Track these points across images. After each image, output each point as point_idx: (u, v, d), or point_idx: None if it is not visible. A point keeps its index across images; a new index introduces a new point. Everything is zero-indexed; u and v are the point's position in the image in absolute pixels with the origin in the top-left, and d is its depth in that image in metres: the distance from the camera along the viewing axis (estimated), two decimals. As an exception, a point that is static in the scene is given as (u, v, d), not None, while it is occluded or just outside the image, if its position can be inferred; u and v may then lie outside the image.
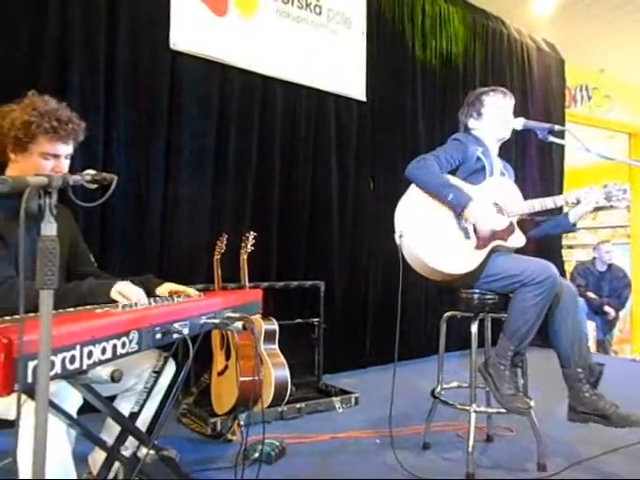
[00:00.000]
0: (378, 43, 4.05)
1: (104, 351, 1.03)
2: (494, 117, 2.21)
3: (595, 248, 5.95)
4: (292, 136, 3.60)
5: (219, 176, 3.25)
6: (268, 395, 2.50)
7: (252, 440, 2.02)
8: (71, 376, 1.00)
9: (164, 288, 1.64)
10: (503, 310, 2.06)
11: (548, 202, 2.08)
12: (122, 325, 1.10)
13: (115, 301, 1.40)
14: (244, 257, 2.67)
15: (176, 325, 1.28)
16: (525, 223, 2.25)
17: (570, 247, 8.21)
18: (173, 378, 1.64)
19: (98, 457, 1.57)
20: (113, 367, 1.04)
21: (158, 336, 1.22)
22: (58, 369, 0.93)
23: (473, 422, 2.02)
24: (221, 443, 2.36)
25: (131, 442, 1.45)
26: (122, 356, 1.10)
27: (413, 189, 2.10)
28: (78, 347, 0.96)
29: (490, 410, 2.25)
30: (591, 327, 5.52)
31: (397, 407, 2.11)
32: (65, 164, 1.55)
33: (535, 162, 5.15)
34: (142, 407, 1.54)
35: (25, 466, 1.08)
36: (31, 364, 0.88)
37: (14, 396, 0.88)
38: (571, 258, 7.78)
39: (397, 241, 2.04)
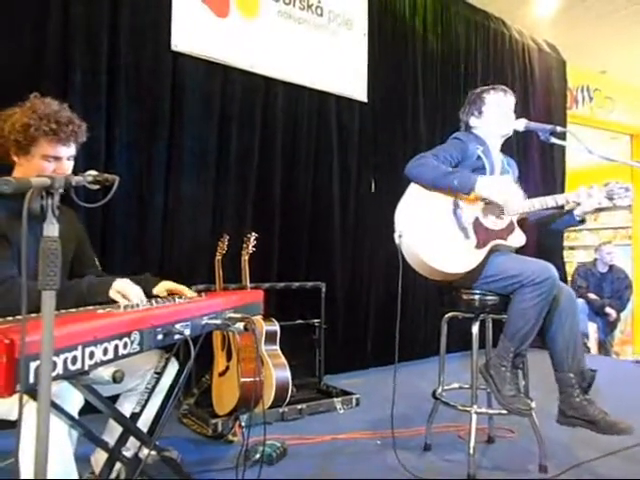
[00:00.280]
0: (379, 44, 4.05)
1: (106, 352, 1.03)
2: (495, 114, 2.21)
3: (597, 249, 5.95)
4: (293, 137, 3.60)
5: (221, 177, 3.26)
6: (269, 396, 2.50)
7: (253, 441, 2.03)
8: (73, 377, 1.00)
9: (161, 287, 1.64)
10: (504, 311, 2.06)
11: (549, 201, 2.07)
12: (124, 326, 1.11)
13: (115, 301, 1.40)
14: (245, 258, 2.67)
15: (178, 326, 1.29)
16: (525, 223, 2.25)
17: (571, 248, 8.21)
18: (175, 378, 1.64)
19: (100, 457, 1.57)
20: (115, 368, 1.04)
21: (160, 337, 1.22)
22: (60, 370, 0.93)
23: (474, 423, 2.02)
24: (222, 444, 2.36)
25: (132, 443, 1.45)
26: (124, 357, 1.10)
27: (412, 189, 2.10)
28: (80, 348, 0.96)
29: (491, 411, 2.25)
30: (592, 328, 5.52)
31: (398, 408, 2.10)
32: (68, 165, 1.55)
33: (537, 163, 5.16)
34: (143, 407, 1.54)
35: (27, 467, 1.08)
36: (33, 365, 0.88)
37: (16, 397, 0.88)
38: (572, 259, 7.77)
39: (396, 241, 2.04)
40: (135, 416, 1.49)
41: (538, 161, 5.18)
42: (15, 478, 1.06)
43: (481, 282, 2.05)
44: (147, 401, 1.54)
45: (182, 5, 3.08)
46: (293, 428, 2.56)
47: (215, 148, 3.23)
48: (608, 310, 5.59)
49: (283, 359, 2.63)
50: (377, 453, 2.29)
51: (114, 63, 2.85)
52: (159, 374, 1.60)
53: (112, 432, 1.52)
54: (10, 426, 1.22)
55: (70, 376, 0.98)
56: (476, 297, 2.08)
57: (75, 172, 1.54)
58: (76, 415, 1.23)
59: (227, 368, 2.56)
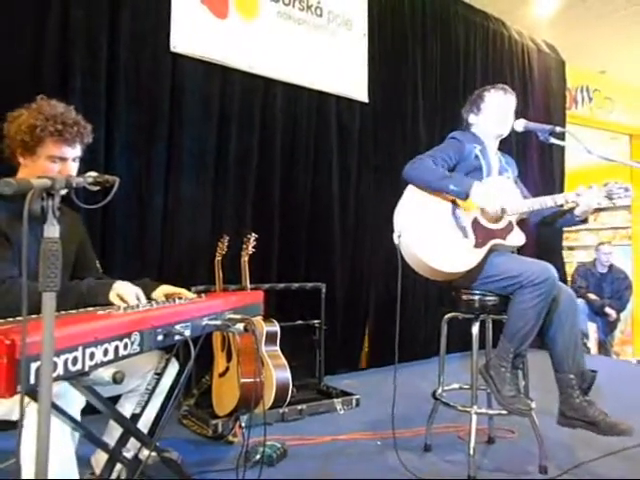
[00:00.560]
0: (379, 44, 4.05)
1: (106, 353, 1.04)
2: (493, 113, 2.21)
3: (596, 249, 5.96)
4: (293, 137, 3.61)
5: (220, 178, 3.26)
6: (269, 397, 2.50)
7: (253, 442, 2.03)
8: (73, 378, 1.00)
9: (160, 291, 1.64)
10: (504, 311, 2.06)
11: (548, 201, 2.07)
12: (124, 326, 1.11)
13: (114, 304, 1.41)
14: (245, 259, 2.67)
15: (178, 327, 1.29)
16: (525, 222, 2.25)
17: (571, 248, 8.21)
18: (175, 379, 1.65)
19: (100, 458, 1.57)
20: (115, 369, 1.04)
21: (160, 337, 1.22)
22: (60, 371, 0.93)
23: (474, 424, 2.02)
24: (222, 445, 2.36)
25: (133, 444, 1.46)
26: (124, 357, 1.10)
27: (411, 189, 2.11)
28: (80, 349, 0.97)
29: (491, 412, 2.25)
30: (592, 328, 5.52)
31: (398, 409, 2.11)
32: (73, 167, 1.57)
33: (536, 163, 5.16)
34: (144, 408, 1.54)
35: (28, 468, 1.09)
36: (34, 365, 0.88)
37: (17, 397, 0.88)
38: (572, 259, 7.77)
39: (396, 241, 2.04)
40: (135, 417, 1.50)
41: (537, 161, 5.18)
42: (16, 478, 1.06)
43: (481, 282, 2.05)
44: (147, 402, 1.54)
45: (181, 6, 3.08)
46: (293, 429, 2.57)
47: (214, 149, 3.24)
48: (608, 310, 5.60)
49: (283, 360, 2.63)
50: (377, 454, 2.29)
51: (113, 65, 2.85)
52: (159, 375, 1.60)
53: (112, 433, 1.53)
54: (11, 427, 1.22)
55: (70, 377, 0.98)
56: (476, 297, 2.08)
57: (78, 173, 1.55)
58: (78, 416, 1.24)
59: (227, 369, 2.56)
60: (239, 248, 2.69)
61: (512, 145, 4.50)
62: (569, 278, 5.86)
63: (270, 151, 3.48)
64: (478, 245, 2.04)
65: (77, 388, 1.12)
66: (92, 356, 0.99)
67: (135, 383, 1.62)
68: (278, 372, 2.54)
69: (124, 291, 1.43)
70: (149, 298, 1.58)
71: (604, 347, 5.66)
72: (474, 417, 2.03)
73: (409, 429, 2.47)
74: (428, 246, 2.01)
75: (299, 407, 2.76)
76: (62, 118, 1.51)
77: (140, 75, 2.94)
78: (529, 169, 4.97)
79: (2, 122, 1.55)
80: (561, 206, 2.12)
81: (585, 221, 2.15)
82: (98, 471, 1.60)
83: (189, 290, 1.70)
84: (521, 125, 2.13)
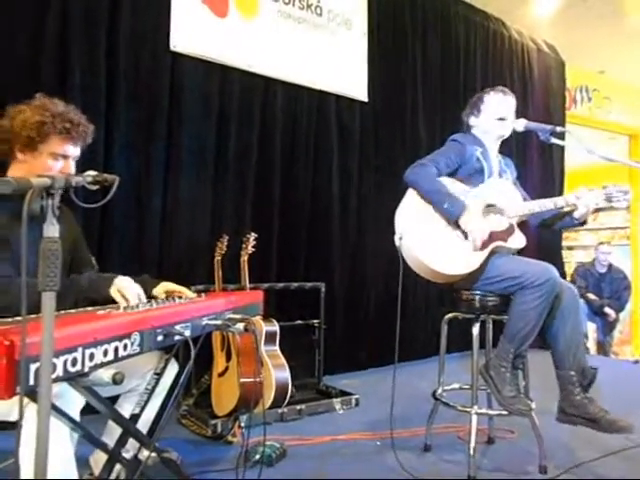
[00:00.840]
0: (379, 43, 4.05)
1: (106, 353, 1.03)
2: (492, 114, 2.21)
3: (595, 249, 5.97)
4: (293, 137, 3.60)
5: (219, 177, 3.25)
6: (269, 397, 2.50)
7: (252, 442, 2.02)
8: (73, 379, 0.99)
9: (160, 288, 1.64)
10: (504, 312, 2.06)
11: (548, 203, 2.08)
12: (124, 327, 1.10)
13: (114, 300, 1.40)
14: (244, 258, 2.66)
15: (178, 327, 1.28)
16: (525, 225, 2.25)
17: (570, 248, 8.22)
18: (174, 379, 1.64)
19: (99, 458, 1.57)
20: (115, 369, 1.04)
21: (160, 338, 1.21)
22: (60, 372, 0.92)
23: (474, 424, 2.01)
24: (221, 445, 2.35)
25: (132, 444, 1.45)
26: (124, 358, 1.09)
27: (412, 192, 2.10)
28: (80, 349, 0.96)
29: (491, 412, 2.24)
30: (591, 328, 5.53)
31: (397, 409, 2.10)
32: (72, 166, 1.56)
33: (536, 164, 5.16)
34: (143, 409, 1.53)
35: (26, 468, 1.08)
36: (33, 367, 0.87)
37: (16, 397, 0.87)
38: (571, 259, 7.78)
39: (397, 243, 2.04)
40: (135, 417, 1.49)
41: (537, 161, 5.18)
42: (15, 478, 1.05)
43: (482, 283, 2.05)
44: (147, 402, 1.53)
45: (181, 5, 3.07)
46: (292, 429, 2.56)
47: (214, 148, 3.23)
48: (607, 310, 5.60)
49: (282, 359, 2.63)
50: (377, 454, 2.28)
51: (113, 63, 2.84)
52: (159, 375, 1.59)
53: (112, 433, 1.52)
54: (9, 426, 1.22)
55: (70, 378, 0.97)
56: (476, 298, 2.08)
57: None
58: (77, 416, 1.23)
59: (226, 369, 2.55)
60: (238, 247, 2.69)
61: (512, 146, 4.50)
62: (568, 278, 5.86)
63: (270, 150, 3.47)
64: (479, 248, 2.03)
65: (76, 389, 1.11)
66: (92, 357, 0.98)
67: (134, 383, 1.61)
68: (277, 372, 2.54)
69: (125, 288, 1.42)
70: (149, 295, 1.58)
71: (603, 347, 5.67)
72: (474, 417, 2.03)
73: (409, 429, 2.47)
74: (429, 248, 2.00)
75: (298, 407, 2.76)
76: (68, 117, 1.51)
77: (139, 74, 2.93)
78: (529, 170, 4.98)
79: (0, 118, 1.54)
80: (561, 208, 2.12)
81: (584, 223, 2.16)
82: (97, 471, 1.60)
83: (188, 289, 1.70)
84: (522, 125, 2.13)
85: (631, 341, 7.16)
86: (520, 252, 2.17)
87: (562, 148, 5.30)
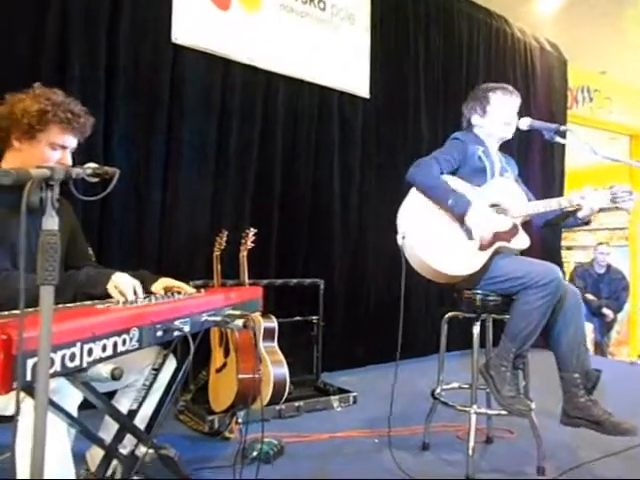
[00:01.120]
0: (382, 39, 4.02)
1: (104, 348, 1.01)
2: (498, 116, 2.18)
3: (594, 250, 5.97)
4: (294, 133, 3.58)
5: (220, 172, 3.23)
6: (267, 393, 2.49)
7: (250, 438, 2.01)
8: (71, 374, 0.98)
9: (159, 284, 1.62)
10: (505, 311, 2.05)
11: (553, 203, 2.06)
12: (123, 322, 1.08)
13: (112, 296, 1.38)
14: (244, 254, 2.64)
15: (177, 322, 1.27)
16: (528, 224, 2.23)
17: (569, 248, 8.22)
18: (173, 375, 1.62)
19: (96, 453, 1.55)
20: (113, 365, 1.02)
21: (159, 333, 1.20)
22: (58, 367, 0.91)
23: (474, 424, 2.00)
24: (218, 441, 2.34)
25: (129, 440, 1.43)
26: (122, 353, 1.08)
27: (415, 191, 2.08)
28: (78, 344, 0.94)
29: (490, 412, 2.23)
30: (589, 329, 5.53)
31: (396, 407, 2.09)
32: (69, 157, 1.54)
33: (537, 163, 5.14)
34: (141, 404, 1.52)
35: (23, 463, 1.06)
36: (30, 362, 0.86)
37: (13, 392, 0.86)
38: (570, 259, 7.79)
39: (399, 242, 2.02)
40: (132, 413, 1.47)
41: (539, 161, 5.16)
42: (11, 473, 1.04)
43: (485, 283, 2.03)
44: (145, 398, 1.52)
45: (183, -3, 3.04)
46: (290, 426, 2.55)
47: (214, 142, 3.21)
48: (605, 311, 5.61)
49: (281, 356, 2.62)
50: (375, 452, 2.27)
51: (113, 55, 2.81)
52: (157, 370, 1.57)
53: (109, 429, 1.50)
54: (7, 420, 1.20)
55: (68, 373, 0.96)
56: (477, 297, 2.06)
57: (74, 165, 1.52)
58: (75, 411, 1.21)
59: (225, 364, 2.54)
60: (238, 243, 2.67)
61: (514, 145, 4.48)
62: (567, 278, 5.87)
63: (271, 146, 3.45)
64: (483, 248, 2.01)
65: (74, 384, 1.09)
66: (90, 352, 0.97)
67: (132, 378, 1.59)
68: (275, 368, 2.53)
69: (122, 283, 1.41)
70: (148, 291, 1.56)
71: (600, 348, 5.67)
72: (473, 417, 2.02)
73: (407, 427, 2.46)
74: (432, 248, 1.98)
75: (296, 404, 2.75)
76: (69, 107, 1.50)
77: (140, 66, 2.91)
78: (531, 169, 4.96)
79: None
80: (565, 208, 2.10)
81: (588, 223, 2.14)
82: (93, 467, 1.58)
83: (187, 284, 1.68)
84: (526, 124, 2.11)
85: (628, 342, 7.17)
86: (523, 253, 2.16)
87: (563, 148, 5.28)
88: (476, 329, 2.08)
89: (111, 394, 1.59)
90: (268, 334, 2.64)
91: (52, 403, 1.06)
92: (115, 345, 1.04)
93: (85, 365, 0.96)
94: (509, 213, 2.10)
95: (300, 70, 3.55)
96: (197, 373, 2.79)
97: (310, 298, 3.25)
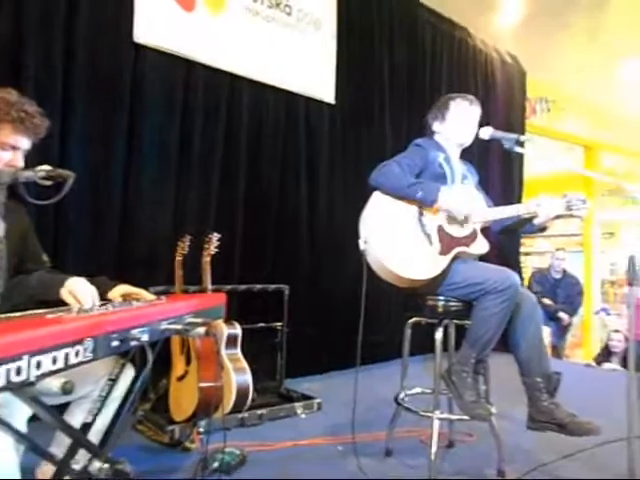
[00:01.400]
0: (348, 46, 4.05)
1: (55, 361, 0.95)
2: (457, 123, 2.23)
3: (552, 255, 6.18)
4: (260, 136, 3.55)
5: (182, 174, 3.16)
6: (229, 401, 2.44)
7: (211, 449, 1.96)
8: (17, 388, 0.92)
9: (117, 291, 1.56)
10: (467, 317, 2.07)
11: (511, 210, 2.11)
12: (76, 332, 1.03)
13: (66, 303, 1.32)
14: (207, 259, 2.59)
15: (135, 332, 1.21)
16: (486, 231, 2.28)
17: (526, 254, 8.47)
18: (130, 386, 1.56)
19: (47, 470, 1.48)
20: (64, 378, 0.97)
21: (115, 343, 1.14)
22: (2, 381, 0.85)
23: (436, 429, 2.02)
24: (179, 452, 2.27)
25: (83, 455, 1.37)
26: (75, 365, 1.02)
27: (376, 195, 2.09)
28: (26, 357, 0.88)
29: (453, 417, 2.26)
30: (546, 332, 5.70)
31: (360, 412, 2.09)
32: (21, 159, 1.47)
33: (497, 172, 5.27)
34: (96, 416, 1.45)
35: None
36: (-28, 376, 0.80)
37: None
38: (527, 264, 8.02)
39: (362, 247, 2.02)
40: (87, 426, 1.41)
41: (498, 170, 5.30)
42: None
43: (445, 289, 2.05)
44: (100, 410, 1.46)
45: (146, -4, 2.98)
46: (253, 434, 2.51)
47: (177, 144, 3.14)
48: (561, 315, 5.80)
49: (244, 363, 2.58)
50: (339, 459, 2.26)
51: (71, 55, 2.71)
52: (113, 381, 1.51)
53: (61, 442, 1.43)
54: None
55: (14, 388, 0.90)
56: (440, 303, 2.08)
57: (26, 167, 1.46)
58: (24, 425, 1.15)
59: (186, 372, 2.48)
60: (201, 248, 2.61)
61: (474, 153, 4.58)
62: (526, 283, 6.04)
63: (235, 149, 3.40)
64: (443, 252, 2.04)
65: (21, 399, 1.03)
66: (39, 365, 0.91)
67: (88, 389, 1.53)
68: (238, 376, 2.49)
69: (78, 289, 1.35)
70: (105, 298, 1.50)
71: (557, 350, 5.85)
72: (436, 422, 2.03)
73: (370, 433, 2.45)
74: (394, 253, 2.00)
75: (259, 412, 2.71)
76: (24, 107, 1.43)
77: (99, 65, 2.82)
78: (490, 178, 5.07)
79: None
80: (523, 215, 2.15)
81: (543, 230, 2.20)
82: (44, 483, 1.51)
83: (147, 291, 1.63)
84: (487, 133, 2.16)
85: (582, 344, 7.44)
86: (482, 259, 2.20)
87: (521, 157, 5.44)
88: (438, 335, 2.10)
89: (66, 405, 1.53)
90: (231, 341, 2.60)
91: (-2, 419, 1.00)
92: (67, 357, 0.99)
93: (33, 379, 0.90)
94: (469, 218, 2.13)
95: (265, 74, 3.52)
96: (157, 381, 2.72)
97: (274, 304, 3.22)
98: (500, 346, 2.07)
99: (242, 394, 2.49)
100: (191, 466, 1.92)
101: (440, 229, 2.07)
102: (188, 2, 3.17)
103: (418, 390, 2.39)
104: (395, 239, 2.03)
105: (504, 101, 5.50)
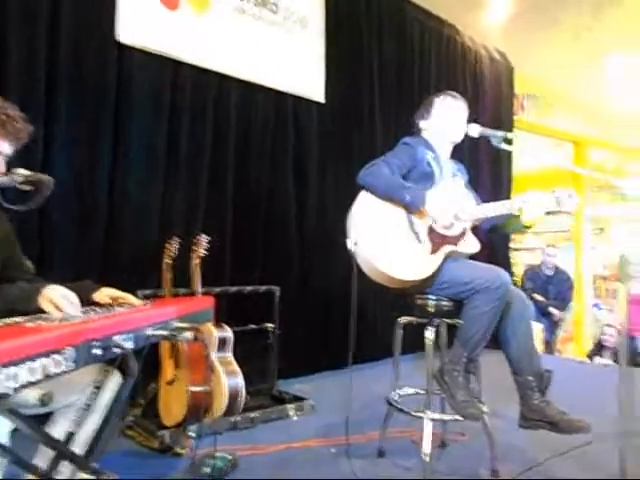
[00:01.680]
0: (336, 44, 4.02)
1: (33, 372, 0.92)
2: (442, 118, 2.23)
3: (543, 252, 6.20)
4: (248, 136, 3.51)
5: (170, 175, 3.12)
6: (220, 405, 2.41)
7: (203, 453, 1.93)
8: (-7, 401, 0.89)
9: (101, 294, 1.52)
10: (458, 316, 2.06)
11: (500, 207, 2.09)
12: (55, 341, 0.99)
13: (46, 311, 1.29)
14: (196, 262, 2.56)
15: (118, 339, 1.18)
16: (477, 229, 2.26)
17: (516, 250, 8.49)
18: (117, 393, 1.53)
19: (31, 481, 1.44)
20: (42, 390, 0.94)
21: (98, 352, 1.11)
22: (-24, 395, 0.82)
23: (430, 429, 2.00)
24: (169, 458, 2.24)
25: (67, 465, 1.34)
26: (55, 376, 0.99)
27: (364, 195, 2.07)
28: (1, 369, 0.85)
29: (446, 417, 2.24)
30: (539, 328, 5.72)
31: (352, 413, 2.07)
32: (2, 164, 1.43)
33: (486, 170, 5.28)
34: (81, 426, 1.42)
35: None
36: (-56, 390, 0.77)
37: None
38: (517, 260, 8.04)
39: (351, 248, 2.00)
40: (71, 436, 1.37)
41: (487, 167, 5.30)
42: None
43: (435, 288, 2.04)
44: (86, 419, 1.42)
45: (129, -5, 2.93)
46: (245, 437, 2.48)
47: (164, 145, 3.09)
48: (552, 310, 5.83)
49: (235, 366, 2.54)
50: (332, 461, 2.24)
51: (54, 55, 2.66)
52: (99, 388, 1.48)
53: (45, 454, 1.39)
54: None
55: (-11, 401, 0.87)
56: (431, 302, 2.06)
57: (8, 172, 1.42)
58: (6, 437, 1.11)
59: (175, 377, 2.45)
60: (190, 250, 2.58)
61: (464, 151, 4.58)
62: (516, 279, 6.06)
63: (223, 150, 3.37)
64: (433, 252, 2.02)
65: (-1, 411, 1.00)
66: (15, 377, 0.88)
67: (73, 398, 1.49)
68: (230, 379, 2.45)
69: (54, 296, 1.30)
70: (90, 302, 1.46)
71: (549, 346, 5.88)
72: (429, 423, 2.02)
73: (363, 434, 2.44)
74: (384, 253, 1.97)
75: (251, 415, 2.67)
76: (6, 111, 1.39)
77: (83, 65, 2.77)
78: (480, 176, 5.08)
79: None
80: (512, 211, 2.14)
81: (530, 227, 2.19)
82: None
83: (135, 295, 1.59)
84: (476, 131, 2.14)
85: (573, 339, 7.48)
86: (472, 257, 2.18)
87: (510, 154, 5.45)
88: (430, 334, 2.08)
89: (49, 414, 1.49)
90: (222, 344, 2.56)
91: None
92: (46, 367, 0.96)
93: (9, 392, 0.87)
94: (459, 217, 2.12)
95: (253, 73, 3.49)
96: (146, 386, 2.68)
97: (265, 305, 3.19)
98: (491, 343, 2.06)
99: (234, 397, 2.46)
100: (182, 472, 1.89)
101: (430, 228, 2.06)
102: (172, 1, 3.13)
103: (411, 391, 2.37)
104: (385, 239, 2.01)
105: (492, 97, 5.51)
